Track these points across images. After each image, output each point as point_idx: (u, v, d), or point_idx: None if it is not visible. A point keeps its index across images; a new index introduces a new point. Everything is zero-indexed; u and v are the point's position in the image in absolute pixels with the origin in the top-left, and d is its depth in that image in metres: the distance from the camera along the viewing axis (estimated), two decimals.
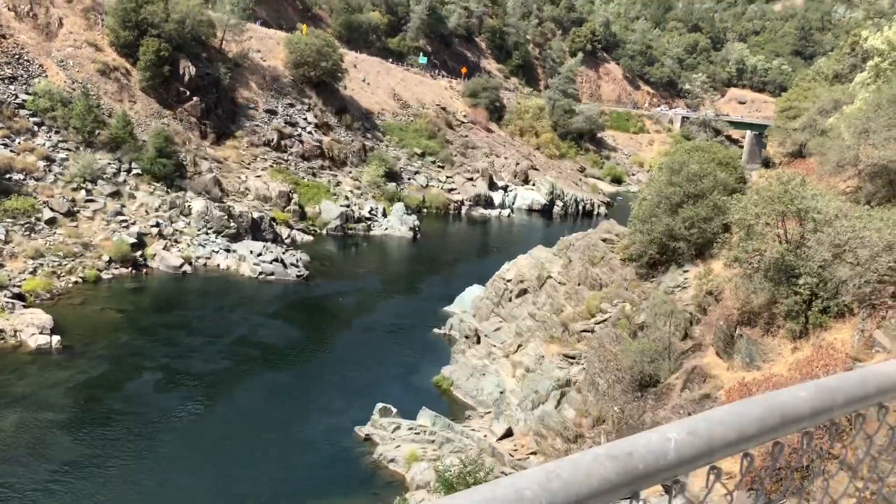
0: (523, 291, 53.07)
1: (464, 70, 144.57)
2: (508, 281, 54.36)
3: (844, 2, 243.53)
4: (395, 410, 38.11)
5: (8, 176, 60.01)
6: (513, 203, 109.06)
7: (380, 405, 38.18)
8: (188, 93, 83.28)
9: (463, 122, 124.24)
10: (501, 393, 41.99)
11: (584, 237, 56.48)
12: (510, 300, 53.10)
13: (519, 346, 44.39)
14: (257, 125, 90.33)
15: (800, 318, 23.27)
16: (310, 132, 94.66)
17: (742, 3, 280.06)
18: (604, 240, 54.27)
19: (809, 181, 29.78)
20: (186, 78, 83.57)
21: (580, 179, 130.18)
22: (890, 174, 25.14)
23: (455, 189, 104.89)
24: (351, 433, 37.64)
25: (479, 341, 47.30)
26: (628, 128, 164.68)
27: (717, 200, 37.93)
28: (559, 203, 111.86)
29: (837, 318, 23.06)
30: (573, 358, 40.99)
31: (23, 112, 66.28)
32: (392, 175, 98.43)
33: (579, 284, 50.40)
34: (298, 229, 77.23)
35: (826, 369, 19.62)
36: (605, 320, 42.72)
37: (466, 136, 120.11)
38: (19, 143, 63.68)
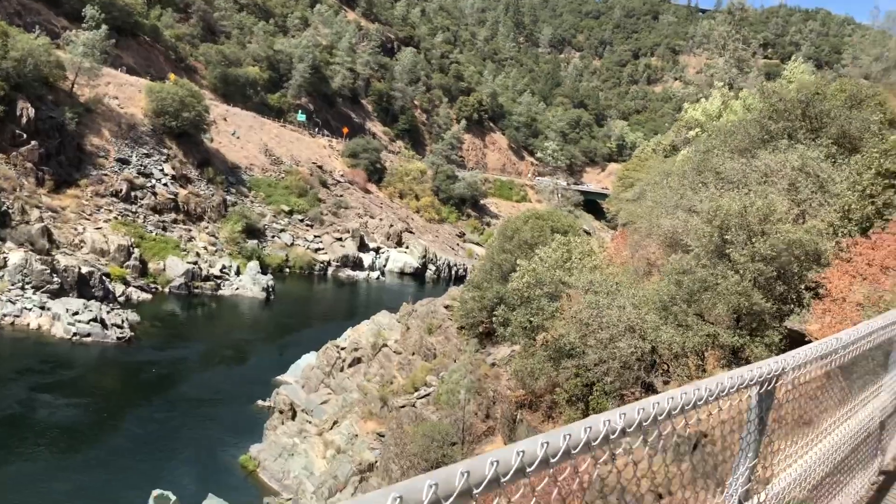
0: (357, 360, 49.37)
1: (345, 130, 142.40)
2: (342, 349, 50.56)
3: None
4: (173, 498, 33.17)
5: None
6: (384, 265, 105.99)
7: (156, 492, 33.19)
8: (25, 136, 76.75)
9: (339, 182, 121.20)
10: (308, 476, 37.70)
11: (427, 303, 53.57)
12: (342, 370, 49.21)
13: (335, 422, 40.36)
14: (105, 174, 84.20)
15: (579, 404, 20.71)
16: (165, 184, 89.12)
17: (626, 84, 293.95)
18: (447, 306, 51.50)
19: (621, 252, 27.79)
20: (24, 120, 77.14)
21: (458, 244, 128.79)
22: (684, 246, 23.30)
23: (322, 249, 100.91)
24: None
25: (294, 416, 42.93)
26: (511, 196, 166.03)
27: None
28: (432, 267, 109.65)
29: (620, 402, 20.64)
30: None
31: None
32: (254, 232, 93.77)
33: (413, 354, 47.20)
34: (136, 286, 71.15)
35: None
36: (427, 395, 39.49)
37: (341, 195, 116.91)
38: None
